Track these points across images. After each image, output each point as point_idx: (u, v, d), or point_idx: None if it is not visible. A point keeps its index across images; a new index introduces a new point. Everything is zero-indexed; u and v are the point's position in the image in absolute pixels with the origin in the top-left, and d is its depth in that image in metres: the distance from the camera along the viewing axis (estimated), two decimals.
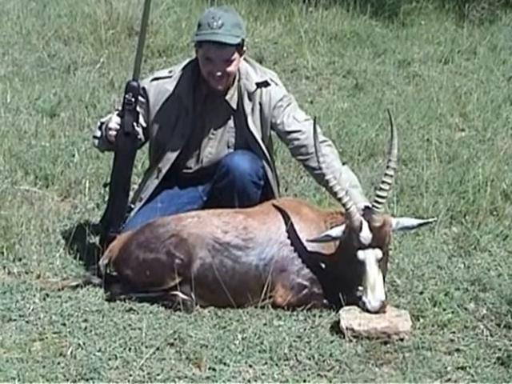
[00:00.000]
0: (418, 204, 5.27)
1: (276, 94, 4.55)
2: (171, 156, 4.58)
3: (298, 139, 4.49)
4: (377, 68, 8.09)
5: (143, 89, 4.54)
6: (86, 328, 3.94)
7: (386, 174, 4.03)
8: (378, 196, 4.00)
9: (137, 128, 4.44)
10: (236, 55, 4.43)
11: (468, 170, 5.65)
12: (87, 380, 3.56)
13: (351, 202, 4.01)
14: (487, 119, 6.78)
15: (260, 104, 4.54)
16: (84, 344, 3.80)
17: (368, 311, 3.95)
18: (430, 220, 4.30)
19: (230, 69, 4.43)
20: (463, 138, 6.49)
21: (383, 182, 4.01)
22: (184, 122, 4.55)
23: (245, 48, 4.51)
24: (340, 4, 9.27)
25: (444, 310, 4.13)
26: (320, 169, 4.10)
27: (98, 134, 4.56)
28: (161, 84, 4.57)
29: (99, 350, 3.75)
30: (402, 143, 6.19)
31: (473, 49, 8.71)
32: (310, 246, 4.20)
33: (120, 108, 4.45)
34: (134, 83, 4.40)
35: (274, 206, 4.36)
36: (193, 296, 4.14)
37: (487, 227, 5.03)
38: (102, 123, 4.55)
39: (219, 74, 4.41)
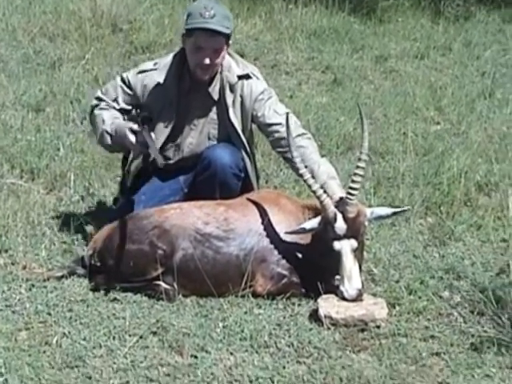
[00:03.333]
0: (395, 195, 5.33)
1: (257, 87, 4.60)
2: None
3: (278, 132, 4.51)
4: (355, 63, 8.14)
5: (129, 82, 4.61)
6: (71, 317, 3.98)
7: (357, 167, 4.07)
8: (351, 188, 4.04)
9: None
10: (224, 46, 4.49)
11: (443, 162, 5.69)
12: (72, 368, 3.60)
13: (325, 195, 4.07)
14: (462, 113, 6.85)
15: (241, 96, 4.58)
16: (69, 333, 3.84)
17: (345, 299, 4.00)
18: (405, 208, 4.33)
19: (218, 60, 4.49)
20: (438, 131, 6.55)
21: (355, 174, 4.06)
22: (168, 112, 4.60)
23: (230, 41, 4.56)
24: (319, 1, 9.30)
25: (419, 297, 4.19)
26: (294, 163, 4.15)
27: (108, 137, 4.54)
28: (147, 77, 4.61)
29: (84, 339, 3.79)
30: (379, 136, 6.28)
31: (448, 45, 8.79)
32: (289, 237, 4.24)
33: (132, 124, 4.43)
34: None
35: (254, 197, 4.42)
36: (175, 286, 4.18)
37: (461, 217, 5.09)
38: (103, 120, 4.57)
39: (208, 62, 4.45)
